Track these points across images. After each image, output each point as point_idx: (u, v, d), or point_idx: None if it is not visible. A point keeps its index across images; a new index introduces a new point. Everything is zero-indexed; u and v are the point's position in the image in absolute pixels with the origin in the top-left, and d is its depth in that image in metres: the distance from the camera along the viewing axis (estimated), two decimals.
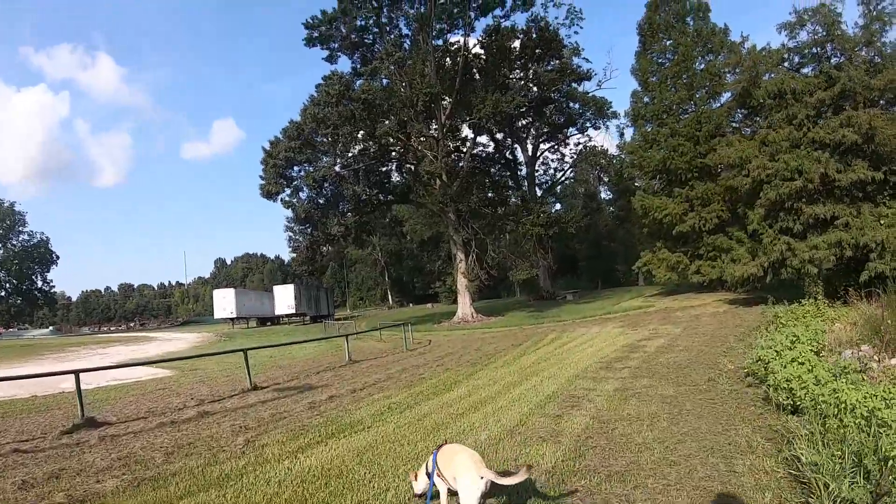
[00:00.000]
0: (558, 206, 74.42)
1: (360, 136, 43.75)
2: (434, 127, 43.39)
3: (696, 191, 35.51)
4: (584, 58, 48.84)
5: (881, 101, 24.03)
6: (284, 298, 63.96)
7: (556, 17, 45.61)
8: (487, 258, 44.61)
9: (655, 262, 39.07)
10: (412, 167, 46.43)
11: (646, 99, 41.04)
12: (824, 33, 24.90)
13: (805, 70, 26.30)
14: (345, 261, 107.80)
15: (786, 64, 26.59)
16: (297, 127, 42.83)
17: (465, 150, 49.70)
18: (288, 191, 44.89)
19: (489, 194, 50.10)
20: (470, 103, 41.58)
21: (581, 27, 74.19)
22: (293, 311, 63.79)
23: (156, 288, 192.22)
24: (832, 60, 25.32)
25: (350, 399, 13.31)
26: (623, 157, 58.79)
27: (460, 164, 47.05)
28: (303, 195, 45.27)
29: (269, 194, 44.15)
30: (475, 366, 17.61)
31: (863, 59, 24.32)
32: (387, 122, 41.95)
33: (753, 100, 27.44)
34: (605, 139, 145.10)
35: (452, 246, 45.70)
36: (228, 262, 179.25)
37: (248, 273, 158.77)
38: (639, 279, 62.88)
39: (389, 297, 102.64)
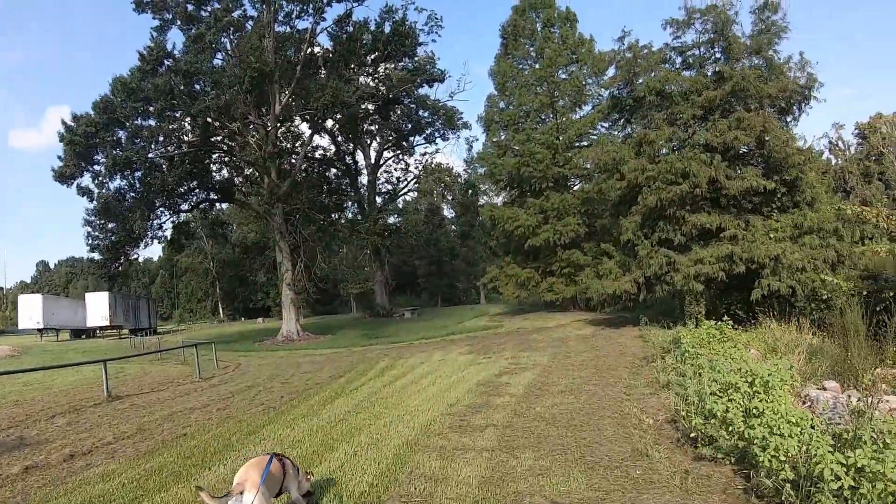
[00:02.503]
0: (398, 217, 69.33)
1: (178, 115, 35.80)
2: (267, 116, 36.43)
3: (552, 202, 31.56)
4: (438, 68, 44.09)
5: (771, 110, 20.89)
6: (98, 308, 54.20)
7: (416, 22, 40.42)
8: (316, 268, 38.19)
9: (503, 279, 34.77)
10: (235, 160, 38.93)
11: (502, 104, 36.93)
12: (714, 34, 21.51)
13: (687, 73, 22.80)
14: (175, 269, 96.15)
15: (667, 65, 23.01)
16: (106, 101, 34.08)
17: (299, 147, 43.12)
18: (88, 176, 35.63)
19: (323, 199, 43.44)
20: (309, 93, 35.24)
21: (440, 35, 70.24)
22: (107, 322, 54.14)
23: None
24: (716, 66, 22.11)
25: (55, 474, 8.02)
26: (469, 171, 55.05)
27: (293, 162, 40.66)
28: (113, 184, 36.22)
29: (62, 177, 34.72)
30: (270, 412, 11.72)
31: (754, 67, 21.19)
32: (208, 99, 34.26)
33: (630, 99, 23.61)
34: (454, 151, 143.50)
35: (278, 253, 38.50)
36: (52, 265, 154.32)
37: (73, 279, 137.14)
38: (481, 297, 59.17)
39: (220, 309, 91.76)
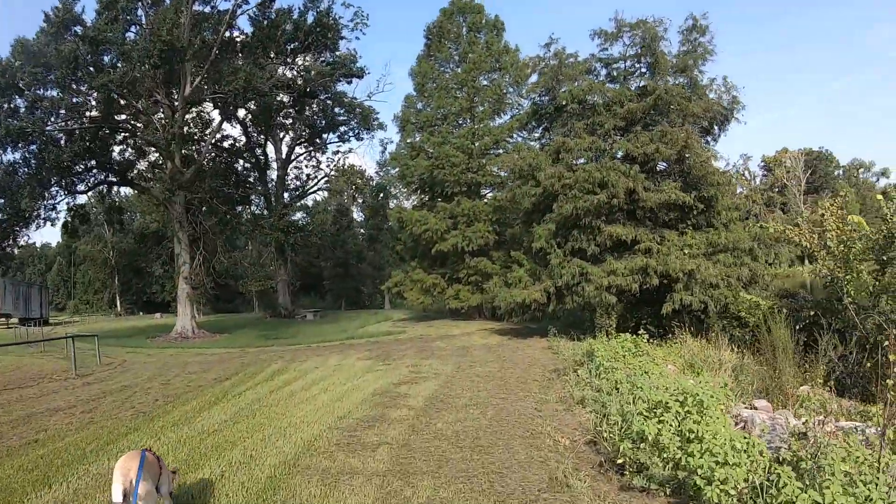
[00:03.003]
0: (305, 216, 66.62)
1: (83, 88, 32.41)
2: (176, 97, 33.54)
3: (463, 207, 30.58)
4: (358, 65, 42.35)
5: (693, 128, 20.66)
6: None
7: (342, 17, 38.68)
8: (215, 263, 35.51)
9: (408, 284, 33.44)
10: (139, 141, 35.64)
11: (420, 105, 35.73)
12: (641, 48, 21.12)
13: (611, 86, 22.34)
14: (73, 257, 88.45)
15: (591, 76, 22.46)
16: (5, 64, 30.37)
17: (208, 134, 40.24)
18: None
19: (228, 190, 40.55)
20: (221, 76, 32.69)
21: (364, 33, 67.98)
22: None
23: None
24: (641, 80, 21.80)
25: None
26: (381, 174, 53.62)
27: (199, 149, 37.95)
28: (6, 157, 32.23)
29: None
30: (138, 418, 10.09)
31: (678, 85, 20.94)
32: (114, 72, 31.07)
33: (551, 107, 22.91)
34: (367, 152, 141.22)
35: (176, 245, 35.44)
36: None
37: None
38: (385, 302, 57.61)
39: (118, 302, 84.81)
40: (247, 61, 33.60)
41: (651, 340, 14.79)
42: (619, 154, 19.95)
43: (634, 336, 13.91)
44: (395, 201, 41.42)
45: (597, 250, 18.95)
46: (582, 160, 20.43)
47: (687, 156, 18.95)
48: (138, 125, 34.17)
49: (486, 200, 32.45)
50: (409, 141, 35.57)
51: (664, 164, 20.24)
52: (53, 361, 19.34)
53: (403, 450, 7.28)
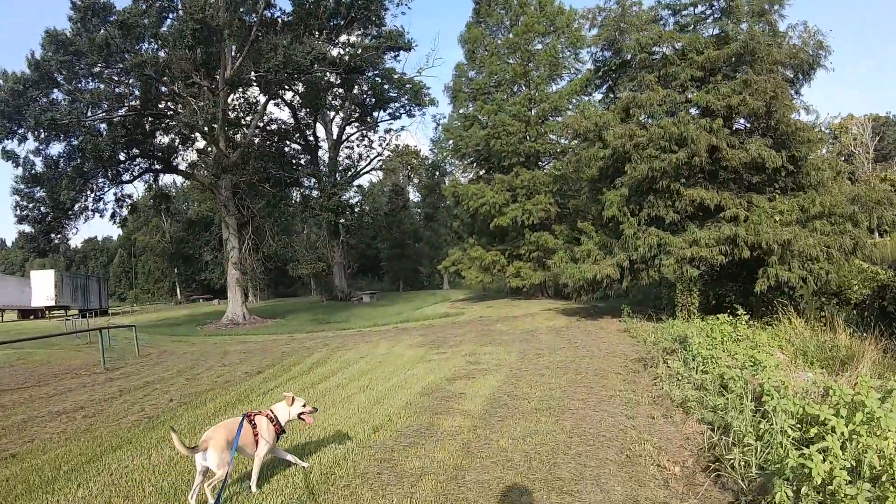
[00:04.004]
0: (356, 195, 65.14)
1: (117, 76, 31.65)
2: (217, 80, 32.33)
3: (522, 178, 28.30)
4: (406, 38, 40.25)
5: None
6: (43, 287, 49.54)
7: None
8: (264, 247, 34.32)
9: (466, 262, 31.42)
10: (181, 127, 34.61)
11: (472, 73, 33.45)
12: None
13: (681, 34, 19.56)
14: (133, 248, 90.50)
15: (658, 24, 19.76)
16: (38, 59, 29.80)
17: (251, 117, 39.05)
18: (14, 140, 31.11)
19: (276, 171, 39.18)
20: (261, 54, 31.25)
21: (409, 7, 65.47)
22: (53, 302, 49.49)
23: None
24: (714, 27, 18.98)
25: None
26: (436, 151, 51.72)
27: (245, 132, 36.70)
28: (48, 151, 31.90)
29: None
30: (140, 425, 8.43)
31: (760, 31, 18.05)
32: (146, 54, 30.10)
33: (615, 61, 20.33)
34: (420, 129, 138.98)
35: (224, 230, 34.40)
36: (9, 243, 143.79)
37: (31, 257, 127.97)
38: (444, 282, 55.87)
39: (178, 290, 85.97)
40: (287, 38, 32.05)
41: (748, 322, 12.40)
42: (695, 110, 17.34)
43: (731, 317, 11.60)
44: (450, 178, 39.10)
45: (676, 217, 16.48)
46: (654, 117, 17.90)
47: (775, 109, 16.23)
48: (179, 111, 33.12)
49: (545, 171, 30.06)
50: (461, 111, 33.42)
51: (745, 120, 17.64)
52: (89, 354, 18.10)
53: (453, 484, 5.30)
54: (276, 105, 44.97)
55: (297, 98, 43.58)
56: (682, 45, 18.24)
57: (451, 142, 33.78)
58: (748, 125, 17.82)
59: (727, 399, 6.86)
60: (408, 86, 46.73)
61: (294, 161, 45.05)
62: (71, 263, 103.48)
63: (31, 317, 50.57)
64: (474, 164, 33.77)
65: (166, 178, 59.37)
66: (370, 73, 43.67)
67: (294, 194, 43.13)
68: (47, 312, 51.30)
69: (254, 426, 5.23)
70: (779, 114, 16.27)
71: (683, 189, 16.28)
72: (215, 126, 31.19)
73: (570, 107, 30.13)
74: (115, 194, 35.45)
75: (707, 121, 16.26)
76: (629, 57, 19.56)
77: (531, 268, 28.49)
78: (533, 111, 29.75)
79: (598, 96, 24.31)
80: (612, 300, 24.91)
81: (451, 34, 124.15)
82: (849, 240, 15.47)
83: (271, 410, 5.51)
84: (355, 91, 46.66)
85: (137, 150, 34.37)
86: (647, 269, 17.02)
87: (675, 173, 16.31)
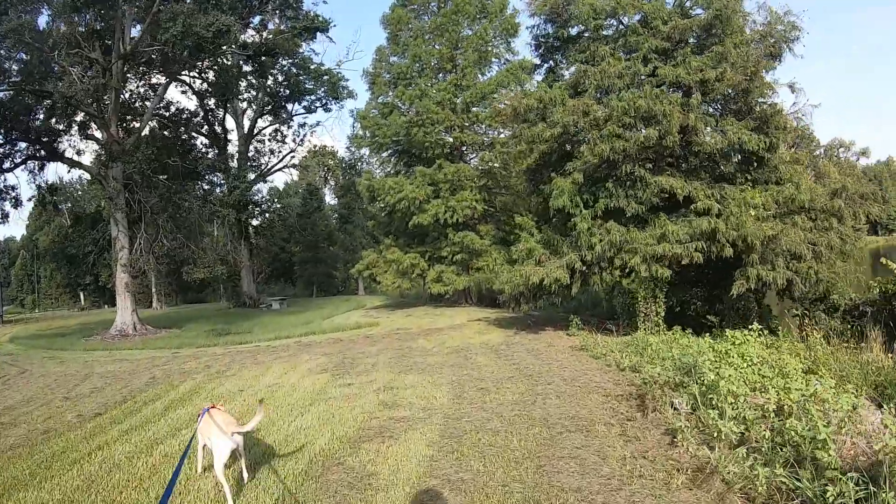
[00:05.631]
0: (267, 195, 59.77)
1: None
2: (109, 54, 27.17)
3: (445, 172, 24.73)
4: (322, 17, 36.04)
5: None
6: None
7: None
8: (156, 246, 29.15)
9: (382, 266, 27.50)
10: (69, 108, 28.88)
11: (393, 58, 29.65)
12: None
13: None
14: (35, 249, 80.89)
15: None
16: None
17: (151, 99, 33.70)
18: None
19: (172, 161, 33.78)
20: (159, 25, 26.34)
21: None
22: None
23: None
24: None
25: None
26: (353, 149, 47.92)
27: (142, 116, 31.45)
28: None
29: None
30: None
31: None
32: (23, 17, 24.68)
33: (561, 33, 17.12)
34: (337, 124, 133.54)
35: (113, 227, 28.87)
36: None
37: None
38: (359, 288, 51.57)
39: (81, 295, 76.90)
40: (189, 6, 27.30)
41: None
42: (667, 78, 14.31)
43: (743, 331, 8.47)
44: (364, 173, 35.08)
45: (639, 210, 13.26)
46: (610, 93, 14.72)
47: (757, 86, 13.48)
48: (62, 88, 27.60)
49: (472, 165, 26.77)
50: (380, 100, 29.56)
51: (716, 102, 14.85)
52: None
53: None
54: (184, 93, 39.63)
55: (207, 87, 38.56)
56: (642, 15, 15.23)
57: (367, 132, 29.80)
58: (719, 106, 15.01)
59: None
60: (325, 77, 42.70)
61: (195, 151, 39.62)
62: None
63: None
64: (393, 158, 29.99)
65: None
66: (285, 62, 39.49)
67: (197, 189, 37.94)
68: None
69: None
70: (756, 93, 13.55)
71: (650, 176, 13.13)
72: (106, 104, 26.19)
73: (498, 97, 26.88)
74: None
75: (678, 96, 13.25)
76: (576, 32, 16.46)
77: (455, 272, 24.94)
78: (459, 99, 26.35)
79: (537, 79, 20.96)
80: (545, 309, 21.74)
81: (373, 24, 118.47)
82: (836, 237, 12.91)
83: None
84: (269, 82, 42.11)
85: (16, 133, 28.57)
86: (602, 272, 13.75)
87: (639, 156, 13.16)
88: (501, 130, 25.50)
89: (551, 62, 19.05)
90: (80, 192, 61.60)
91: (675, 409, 6.88)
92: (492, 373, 9.80)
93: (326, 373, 10.87)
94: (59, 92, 25.70)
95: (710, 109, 15.03)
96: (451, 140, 26.12)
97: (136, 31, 27.77)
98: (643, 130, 12.80)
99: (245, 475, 5.26)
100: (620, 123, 12.99)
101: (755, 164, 14.17)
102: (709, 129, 13.72)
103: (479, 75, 28.02)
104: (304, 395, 8.89)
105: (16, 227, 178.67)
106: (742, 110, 14.10)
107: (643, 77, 14.24)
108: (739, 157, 14.08)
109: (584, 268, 13.51)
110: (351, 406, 7.85)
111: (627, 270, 13.25)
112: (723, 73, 12.98)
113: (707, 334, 10.62)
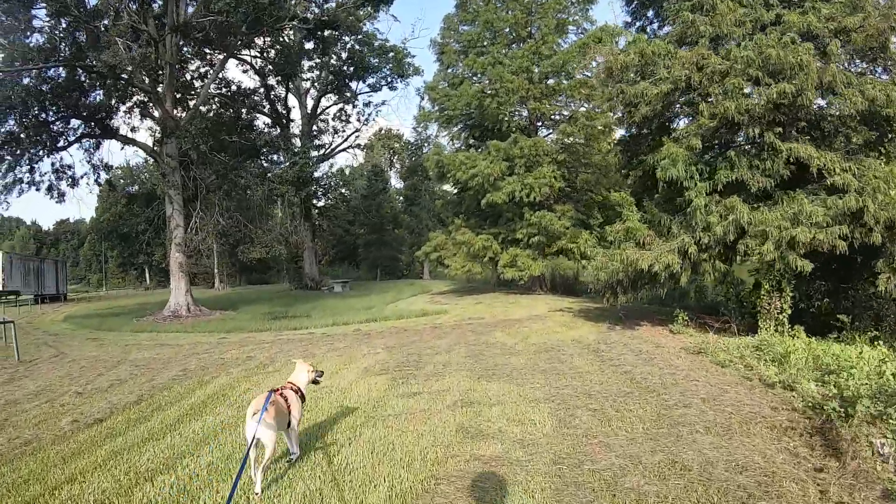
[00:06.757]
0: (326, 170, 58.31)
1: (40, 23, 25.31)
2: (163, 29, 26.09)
3: (521, 146, 22.52)
4: (392, 15, 34.34)
5: None
6: None
7: None
8: (211, 224, 27.96)
9: (450, 248, 25.54)
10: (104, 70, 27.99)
11: (463, 27, 27.50)
12: None
13: None
14: (103, 229, 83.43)
15: None
16: None
17: (208, 76, 32.51)
18: None
19: (231, 139, 32.45)
20: None
21: None
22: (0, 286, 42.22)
23: None
24: None
25: None
26: (419, 130, 46.13)
27: (198, 91, 30.36)
28: None
29: None
30: None
31: None
32: None
33: None
34: (402, 105, 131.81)
35: (168, 205, 27.91)
36: None
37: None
38: (424, 271, 49.78)
39: (147, 274, 78.48)
40: None
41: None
42: (794, 25, 11.70)
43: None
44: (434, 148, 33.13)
45: (768, 184, 10.79)
46: (725, 44, 12.20)
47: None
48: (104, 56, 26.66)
49: (550, 139, 24.48)
50: (449, 70, 27.53)
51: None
52: None
53: None
54: (245, 72, 38.59)
55: (268, 66, 37.42)
56: None
57: (435, 106, 27.80)
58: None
59: None
60: (390, 53, 41.05)
61: (250, 126, 38.40)
62: (41, 246, 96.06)
63: None
64: (463, 133, 27.89)
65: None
66: (349, 38, 37.88)
67: (255, 167, 36.95)
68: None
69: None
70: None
71: (780, 143, 10.62)
72: (161, 78, 25.19)
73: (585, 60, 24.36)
74: (53, 164, 29.01)
75: (810, 45, 10.64)
76: None
77: (530, 256, 22.76)
78: (537, 69, 24.02)
79: (624, 40, 18.41)
80: (631, 301, 19.36)
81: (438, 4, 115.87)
82: None
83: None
84: (332, 60, 40.63)
85: (69, 112, 27.88)
86: (716, 259, 11.35)
87: (768, 119, 10.66)
88: (584, 103, 23.02)
89: (643, 21, 16.64)
90: (144, 174, 61.81)
91: (879, 454, 4.71)
92: (600, 384, 7.67)
93: (386, 374, 8.96)
94: (102, 61, 24.53)
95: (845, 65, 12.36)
96: (526, 113, 23.91)
97: (191, 9, 26.59)
98: (773, 86, 10.28)
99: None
100: (746, 76, 10.53)
101: (890, 135, 11.45)
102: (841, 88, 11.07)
103: (560, 43, 25.60)
104: (355, 409, 6.96)
105: (87, 210, 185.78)
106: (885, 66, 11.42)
107: (767, 24, 11.69)
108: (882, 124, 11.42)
109: (699, 253, 11.11)
110: (418, 432, 5.86)
111: (751, 257, 10.83)
112: (865, 18, 10.34)
113: (833, 336, 8.32)
